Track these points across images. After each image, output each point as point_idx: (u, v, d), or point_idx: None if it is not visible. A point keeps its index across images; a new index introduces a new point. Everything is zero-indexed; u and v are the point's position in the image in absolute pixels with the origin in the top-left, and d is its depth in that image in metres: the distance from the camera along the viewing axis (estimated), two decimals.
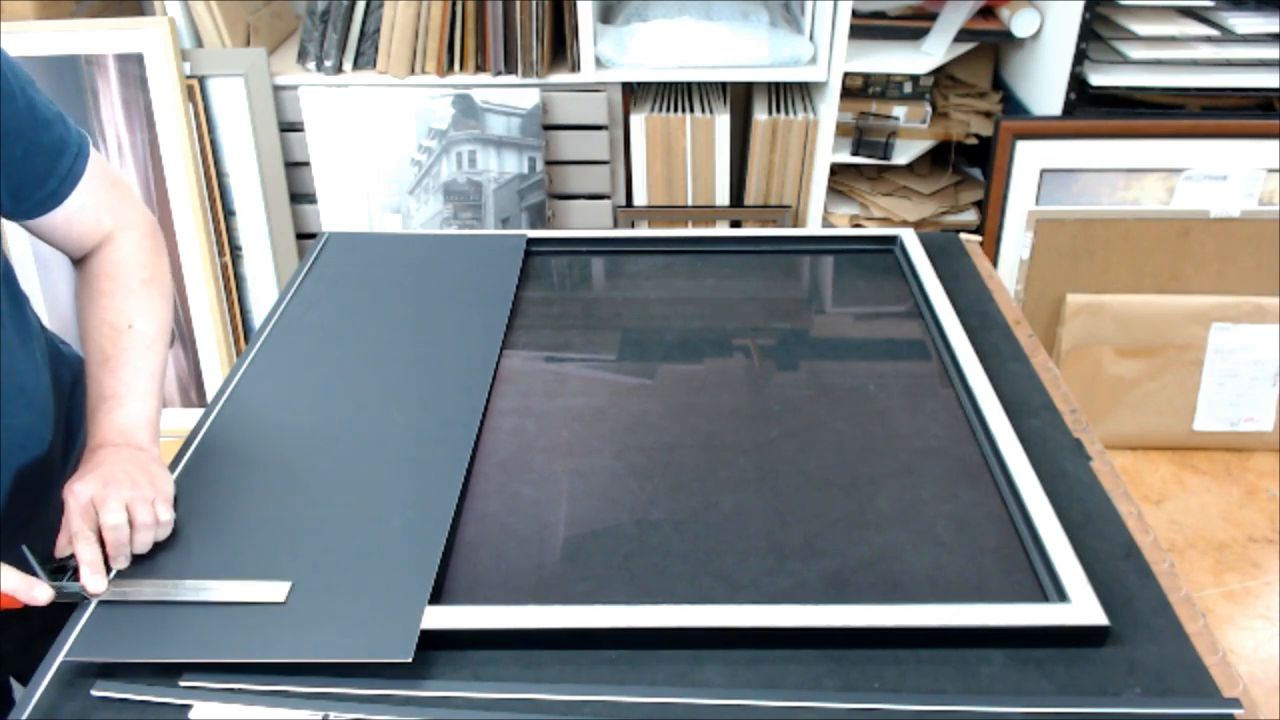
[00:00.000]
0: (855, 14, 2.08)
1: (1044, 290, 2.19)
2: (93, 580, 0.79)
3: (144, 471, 0.85)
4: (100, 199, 0.93)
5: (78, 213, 0.91)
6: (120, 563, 0.82)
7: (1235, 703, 0.73)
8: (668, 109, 2.13)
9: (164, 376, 0.95)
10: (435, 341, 1.15)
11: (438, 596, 0.83)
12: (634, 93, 2.18)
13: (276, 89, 2.10)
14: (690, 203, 2.21)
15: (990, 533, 0.89)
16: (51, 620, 0.80)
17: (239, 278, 2.24)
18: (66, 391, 1.01)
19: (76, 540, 0.80)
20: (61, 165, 0.88)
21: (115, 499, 0.81)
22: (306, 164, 2.16)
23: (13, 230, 2.03)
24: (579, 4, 1.98)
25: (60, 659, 0.77)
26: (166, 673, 0.76)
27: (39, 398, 0.94)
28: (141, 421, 0.90)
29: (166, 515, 0.85)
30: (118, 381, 0.90)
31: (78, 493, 0.82)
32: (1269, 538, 1.97)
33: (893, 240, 1.37)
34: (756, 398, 1.09)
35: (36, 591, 0.77)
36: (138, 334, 0.92)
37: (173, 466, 0.96)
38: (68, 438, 1.00)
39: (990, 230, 2.21)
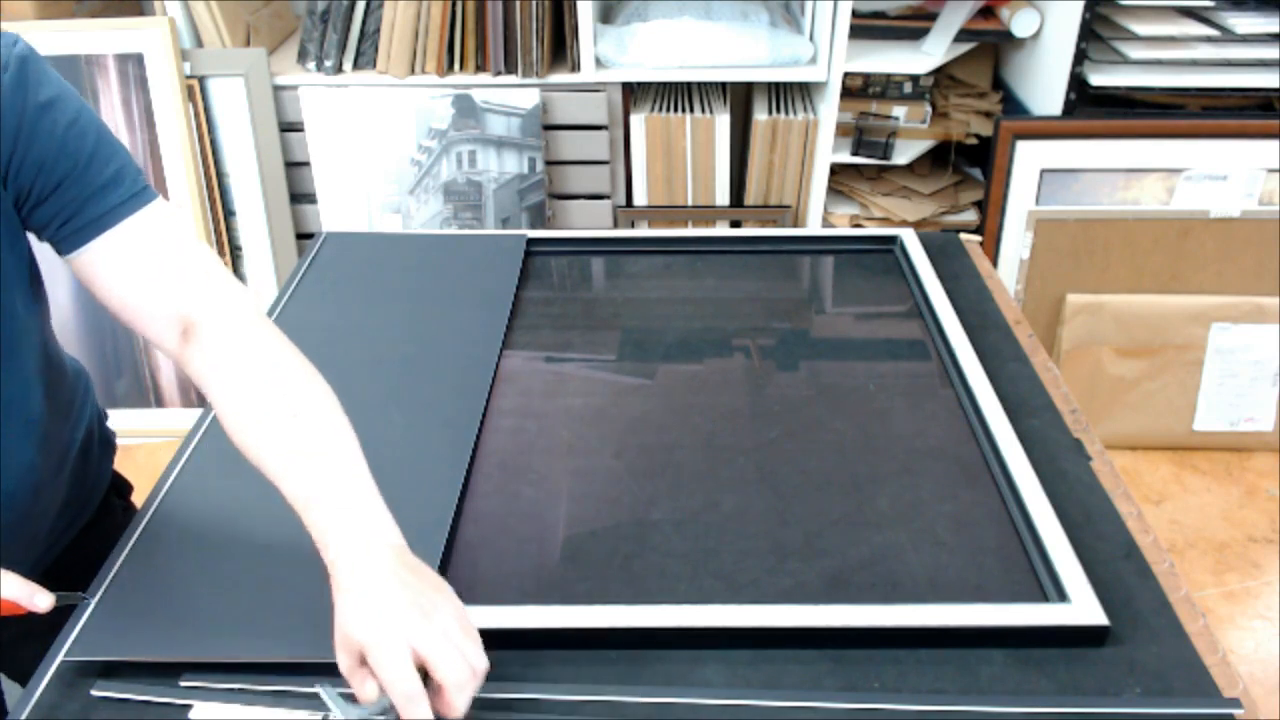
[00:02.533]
0: (855, 14, 2.08)
1: (1044, 290, 2.18)
2: None
3: (426, 590, 0.70)
4: (165, 244, 0.84)
5: (130, 247, 0.82)
6: (460, 713, 0.67)
7: (1235, 703, 0.73)
8: (668, 109, 2.13)
9: (360, 460, 0.79)
10: (435, 341, 1.15)
11: None
12: (634, 93, 2.18)
13: (276, 89, 2.10)
14: (690, 203, 2.21)
15: (990, 533, 0.89)
16: (53, 620, 0.80)
17: (239, 278, 2.24)
18: (66, 409, 0.94)
19: (404, 707, 0.65)
20: (112, 195, 0.82)
21: (446, 649, 0.66)
22: (306, 164, 2.16)
23: None
24: (579, 4, 1.98)
25: (60, 658, 0.77)
26: (167, 672, 0.76)
27: (39, 428, 0.88)
28: (368, 514, 0.73)
29: (483, 657, 0.69)
30: (315, 482, 0.75)
31: (378, 648, 0.65)
32: (1269, 538, 1.97)
33: (893, 240, 1.37)
34: (756, 398, 1.09)
35: (38, 599, 0.74)
36: (303, 419, 0.79)
37: (172, 466, 0.96)
38: (61, 460, 0.94)
39: (990, 230, 2.21)
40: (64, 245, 0.83)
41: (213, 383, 0.82)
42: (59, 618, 0.80)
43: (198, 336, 0.82)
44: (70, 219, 0.82)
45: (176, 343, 0.83)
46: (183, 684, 0.76)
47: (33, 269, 0.86)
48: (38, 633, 0.81)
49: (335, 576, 0.70)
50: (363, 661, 0.67)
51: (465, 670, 0.66)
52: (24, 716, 0.74)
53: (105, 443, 1.05)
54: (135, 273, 0.83)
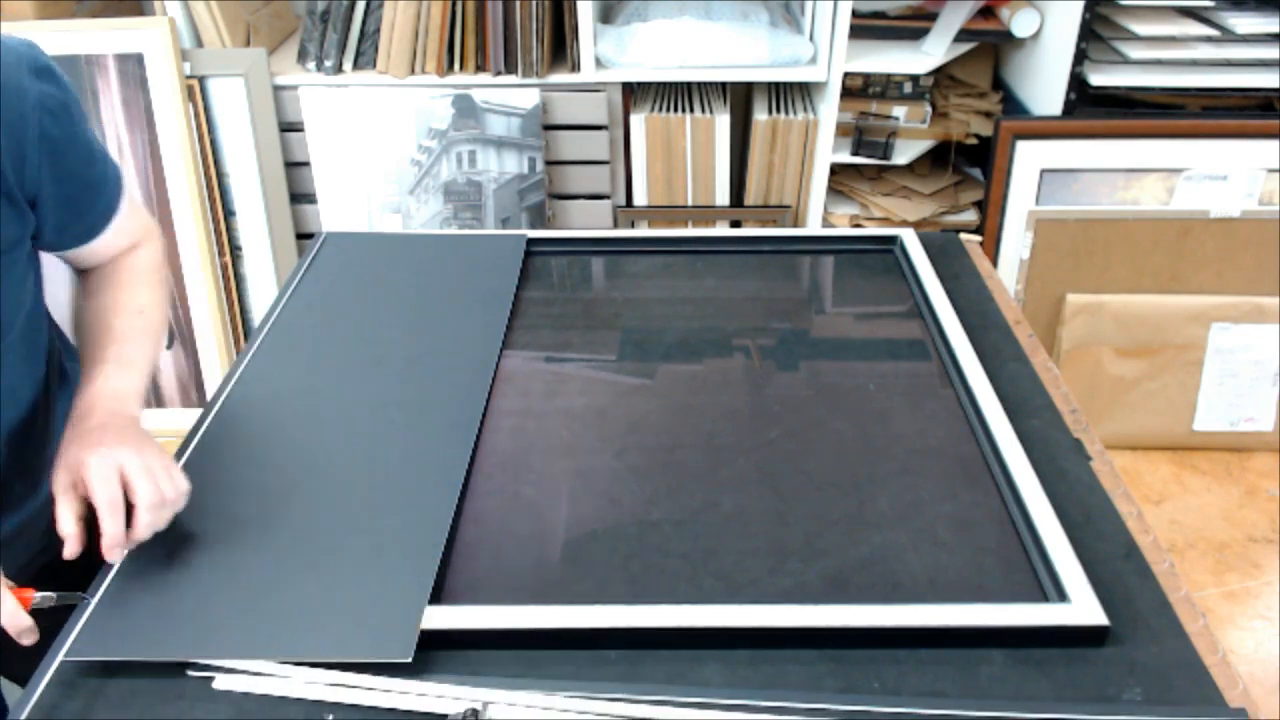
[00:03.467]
0: (855, 14, 2.08)
1: (1044, 290, 2.19)
2: (114, 553, 0.79)
3: (148, 443, 0.85)
4: (129, 224, 0.97)
5: (111, 238, 0.95)
6: (147, 535, 0.81)
7: (1241, 713, 0.72)
8: (668, 109, 2.13)
9: (152, 371, 0.95)
10: (435, 341, 1.15)
11: (438, 596, 0.83)
12: (634, 93, 2.18)
13: (276, 89, 2.10)
14: (690, 203, 2.21)
15: (990, 533, 0.89)
16: (51, 621, 0.80)
17: (239, 278, 2.24)
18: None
19: (103, 511, 0.78)
20: (101, 201, 0.92)
21: (141, 474, 0.80)
22: (306, 164, 2.16)
23: None
24: (579, 4, 1.98)
25: (60, 658, 0.77)
26: (168, 672, 0.76)
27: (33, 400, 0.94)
28: (134, 393, 0.89)
29: (185, 484, 0.85)
30: (120, 351, 0.90)
31: (94, 463, 0.80)
32: (1269, 538, 1.97)
33: (893, 240, 1.37)
34: (756, 398, 1.09)
35: (24, 637, 0.76)
36: (146, 318, 0.95)
37: None
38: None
39: (990, 230, 2.21)
40: (61, 244, 0.90)
41: (95, 274, 0.97)
42: (58, 619, 0.80)
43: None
44: (72, 223, 0.89)
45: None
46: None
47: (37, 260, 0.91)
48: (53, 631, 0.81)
49: (74, 419, 0.85)
50: (75, 491, 0.80)
51: (156, 493, 0.80)
52: (25, 716, 0.74)
53: (63, 377, 1.05)
54: (115, 249, 0.96)
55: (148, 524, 0.80)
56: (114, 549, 0.79)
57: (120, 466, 0.80)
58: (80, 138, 0.86)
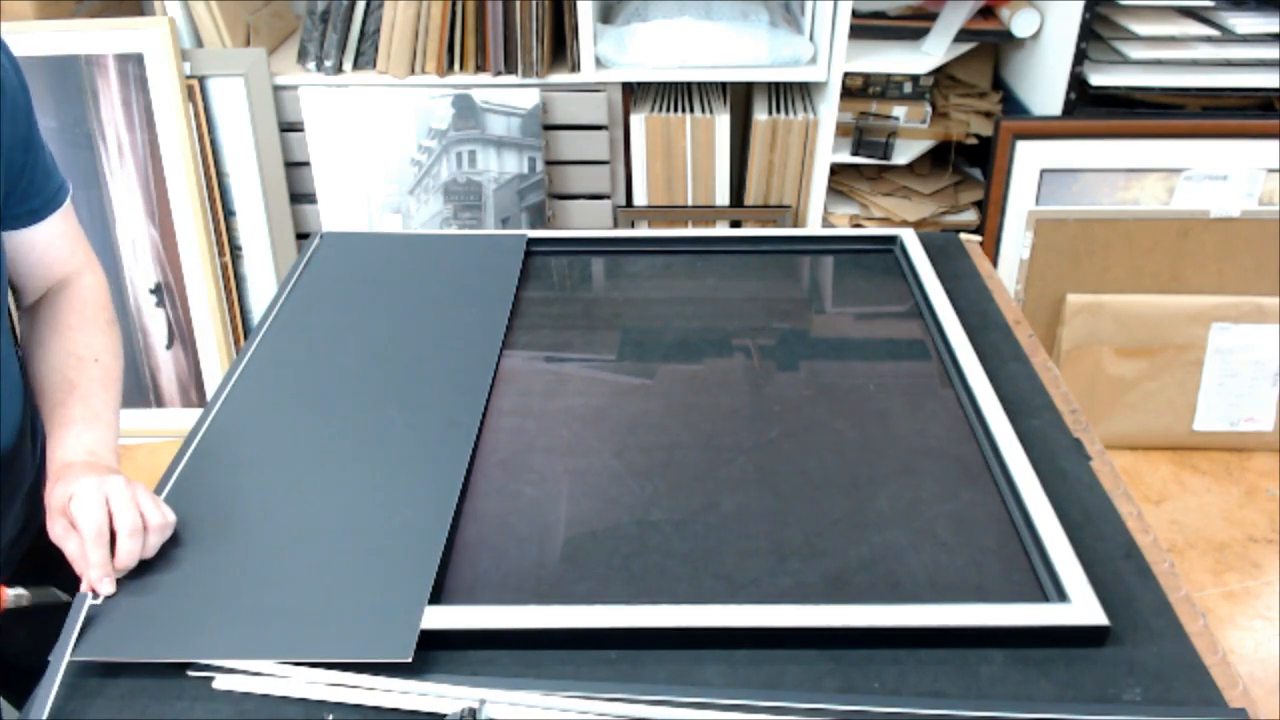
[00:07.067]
0: (855, 14, 2.08)
1: (1044, 290, 2.19)
2: (104, 584, 0.80)
3: (129, 483, 0.85)
4: (73, 236, 0.97)
5: (56, 239, 0.95)
6: (131, 563, 0.81)
7: (1241, 713, 0.72)
8: (668, 109, 2.13)
9: (119, 421, 0.95)
10: (435, 341, 1.15)
11: (438, 596, 0.83)
12: (634, 93, 2.18)
13: (276, 89, 2.10)
14: (690, 203, 2.21)
15: (990, 533, 0.89)
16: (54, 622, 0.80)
17: (239, 278, 2.24)
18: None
19: (89, 543, 0.79)
20: (49, 188, 0.93)
21: (126, 502, 0.81)
22: (306, 164, 2.16)
23: None
24: (579, 4, 1.98)
25: (66, 659, 0.76)
26: (171, 672, 0.76)
27: (18, 389, 0.95)
28: (109, 447, 0.90)
29: (172, 515, 0.85)
30: (86, 408, 0.90)
31: (79, 493, 0.80)
32: (1269, 538, 1.97)
33: (893, 240, 1.37)
34: (756, 398, 1.09)
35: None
36: (103, 368, 0.94)
37: (171, 467, 0.96)
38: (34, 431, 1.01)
39: (990, 230, 2.21)
40: (17, 222, 0.91)
41: (35, 312, 0.96)
42: (55, 624, 0.80)
43: (54, 294, 0.97)
44: (28, 198, 0.90)
45: (34, 298, 0.97)
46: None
47: None
48: (36, 618, 0.81)
49: (53, 476, 0.85)
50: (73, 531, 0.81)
51: (136, 518, 0.80)
52: (32, 717, 0.74)
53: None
54: (56, 259, 0.96)
55: (128, 551, 0.80)
56: (102, 580, 0.80)
57: (106, 495, 0.81)
58: (31, 112, 0.88)
